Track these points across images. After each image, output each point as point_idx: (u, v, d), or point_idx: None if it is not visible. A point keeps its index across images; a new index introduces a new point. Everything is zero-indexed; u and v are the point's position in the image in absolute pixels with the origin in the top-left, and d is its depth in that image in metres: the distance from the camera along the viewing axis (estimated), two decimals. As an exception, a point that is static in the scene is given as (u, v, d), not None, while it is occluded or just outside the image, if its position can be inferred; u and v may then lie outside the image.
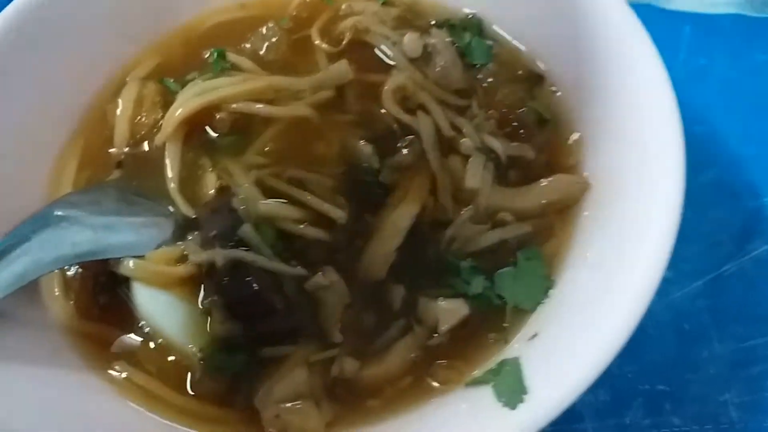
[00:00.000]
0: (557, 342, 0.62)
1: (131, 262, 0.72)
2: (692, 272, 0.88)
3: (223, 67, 0.88)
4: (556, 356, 0.60)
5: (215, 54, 0.88)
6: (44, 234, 0.69)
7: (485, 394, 0.60)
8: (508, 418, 0.55)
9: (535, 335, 0.65)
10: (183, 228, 0.76)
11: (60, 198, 0.79)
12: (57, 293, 0.75)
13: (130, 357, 0.71)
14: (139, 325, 0.72)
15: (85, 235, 0.71)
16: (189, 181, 0.80)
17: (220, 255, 0.71)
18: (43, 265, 0.68)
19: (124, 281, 0.73)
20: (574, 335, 0.61)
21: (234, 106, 0.82)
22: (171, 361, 0.70)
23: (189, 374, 0.69)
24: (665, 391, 0.81)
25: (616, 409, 0.80)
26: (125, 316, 0.73)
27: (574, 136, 0.78)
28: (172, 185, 0.80)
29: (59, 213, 0.72)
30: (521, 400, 0.56)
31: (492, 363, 0.65)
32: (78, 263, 0.72)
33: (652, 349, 0.84)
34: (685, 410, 0.80)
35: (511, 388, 0.58)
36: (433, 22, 0.89)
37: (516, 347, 0.65)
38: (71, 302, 0.75)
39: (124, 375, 0.69)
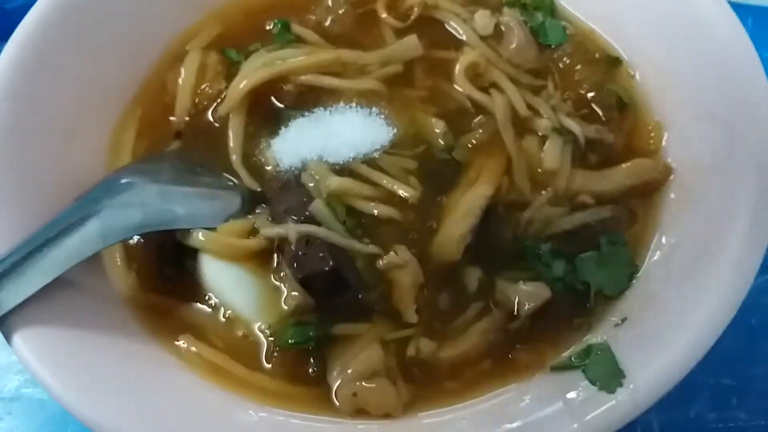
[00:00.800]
0: (650, 328, 0.60)
1: (201, 234, 0.70)
2: (760, 267, 0.86)
3: (287, 38, 0.85)
4: (650, 341, 0.58)
5: (279, 25, 0.86)
6: (115, 200, 0.67)
7: (575, 378, 0.59)
8: (607, 402, 0.54)
9: (623, 320, 0.63)
10: (251, 202, 0.75)
11: (124, 166, 0.77)
12: (119, 264, 0.73)
13: (196, 330, 0.69)
14: (206, 298, 0.70)
15: (154, 204, 0.69)
16: (253, 154, 0.78)
17: (293, 229, 0.69)
18: (115, 232, 0.65)
19: (191, 253, 0.71)
20: (668, 321, 0.59)
21: (302, 78, 0.80)
22: (240, 335, 0.68)
23: (259, 349, 0.67)
24: (731, 386, 0.80)
25: (681, 403, 0.79)
26: (190, 289, 0.71)
27: (656, 120, 0.76)
28: (235, 157, 0.78)
29: (128, 180, 0.70)
30: (620, 384, 0.54)
31: (577, 348, 0.63)
32: (145, 232, 0.70)
33: (719, 343, 0.81)
34: (751, 405, 0.79)
35: (606, 372, 0.56)
36: (504, 0, 0.87)
37: (602, 333, 0.63)
38: (133, 273, 0.73)
39: (192, 348, 0.67)
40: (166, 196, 0.71)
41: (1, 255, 0.61)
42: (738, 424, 0.78)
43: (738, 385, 0.80)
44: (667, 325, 0.58)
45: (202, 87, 0.83)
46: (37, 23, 0.76)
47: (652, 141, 0.75)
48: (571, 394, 0.57)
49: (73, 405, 0.57)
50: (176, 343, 0.68)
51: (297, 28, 0.86)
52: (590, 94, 0.78)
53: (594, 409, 0.53)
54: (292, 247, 0.69)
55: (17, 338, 0.59)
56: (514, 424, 0.56)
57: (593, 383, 0.56)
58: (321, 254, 0.68)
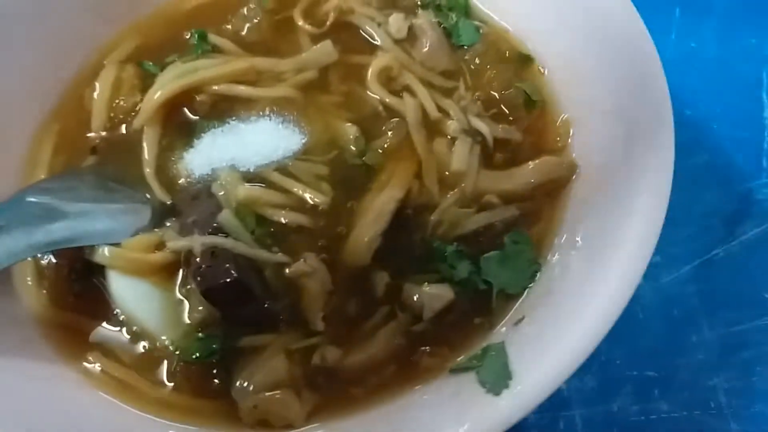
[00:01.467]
0: (543, 326, 0.61)
1: (106, 250, 0.70)
2: (681, 257, 0.87)
3: (204, 49, 0.85)
4: (541, 341, 0.58)
5: (196, 35, 0.86)
6: (17, 221, 0.67)
7: (469, 380, 0.59)
8: (492, 405, 0.54)
9: (521, 319, 0.63)
10: (161, 215, 0.74)
11: (34, 184, 0.76)
12: (29, 282, 0.73)
13: (104, 348, 0.69)
14: (115, 314, 0.70)
15: (60, 221, 0.69)
16: (166, 166, 0.78)
17: (198, 241, 0.69)
18: (17, 253, 0.65)
19: (100, 270, 0.71)
20: (561, 319, 0.59)
21: (215, 88, 0.80)
22: (147, 351, 0.68)
23: (164, 365, 0.67)
24: (654, 377, 0.80)
25: (604, 396, 0.79)
26: (100, 306, 0.71)
27: (563, 118, 0.76)
28: (149, 170, 0.78)
29: (32, 199, 0.69)
30: (506, 386, 0.55)
31: (477, 348, 0.63)
32: (52, 251, 0.70)
33: (641, 335, 0.83)
34: (674, 396, 0.79)
35: (496, 374, 0.56)
36: (419, 2, 0.87)
37: (502, 332, 0.64)
38: (44, 291, 0.72)
39: (98, 366, 0.67)
40: (72, 214, 0.70)
41: None
42: (660, 415, 0.78)
43: (660, 376, 0.80)
44: (556, 325, 0.58)
45: (117, 101, 0.82)
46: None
47: (559, 138, 0.75)
48: (463, 397, 0.57)
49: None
50: (84, 362, 0.68)
51: (214, 38, 0.86)
52: (500, 94, 0.79)
53: (480, 412, 0.54)
54: (197, 260, 0.69)
55: None
56: (408, 430, 0.56)
57: (483, 385, 0.57)
58: (226, 265, 0.68)
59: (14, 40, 0.81)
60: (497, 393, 0.54)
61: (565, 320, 0.58)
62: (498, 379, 0.56)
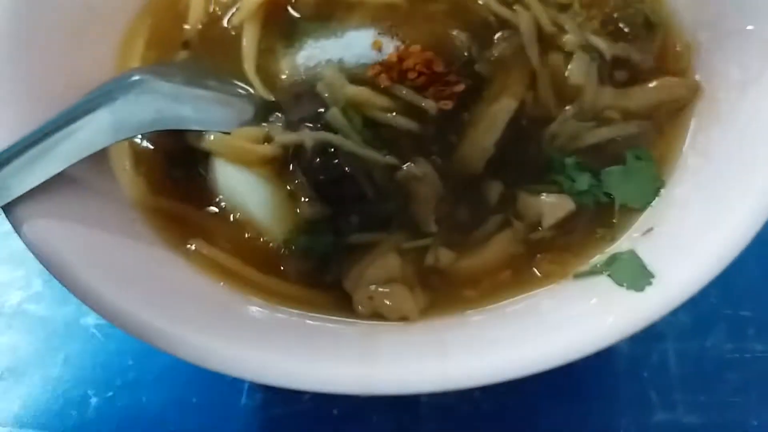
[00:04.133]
0: (677, 235, 0.59)
1: (213, 137, 0.67)
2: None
3: (306, -49, 0.82)
4: (677, 246, 0.57)
5: (297, -64, 0.83)
6: (129, 95, 0.64)
7: (600, 282, 0.57)
8: (638, 300, 0.52)
9: (650, 230, 0.61)
10: (264, 111, 0.72)
11: (137, 68, 0.74)
12: (127, 166, 0.70)
13: (207, 235, 0.67)
14: (218, 203, 0.68)
15: (168, 103, 0.67)
16: (267, 64, 0.76)
17: (308, 136, 0.67)
18: (127, 127, 0.63)
19: (202, 158, 0.69)
20: (697, 228, 0.57)
21: (320, -13, 0.77)
22: (253, 240, 0.66)
23: (273, 254, 0.66)
24: (749, 317, 0.79)
25: (697, 332, 0.78)
26: (201, 194, 0.69)
27: (684, 40, 0.74)
28: (249, 66, 0.75)
29: (142, 77, 0.67)
30: (649, 283, 0.53)
31: (601, 258, 0.61)
32: (157, 131, 0.68)
33: (738, 276, 0.80)
34: (769, 337, 0.78)
35: (634, 274, 0.55)
36: None
37: (627, 243, 0.62)
38: (142, 177, 0.70)
39: (203, 251, 0.65)
40: (180, 97, 0.68)
41: (10, 143, 0.58)
42: (755, 354, 0.77)
43: (756, 316, 0.79)
44: (693, 233, 0.57)
45: (217, -5, 0.80)
46: None
47: (681, 60, 0.73)
48: (599, 297, 0.55)
49: (86, 293, 0.54)
50: (187, 246, 0.66)
51: (315, -60, 0.83)
52: (617, 14, 0.76)
53: (625, 307, 0.52)
54: (308, 154, 0.67)
55: (27, 227, 0.56)
56: (539, 321, 0.55)
57: (620, 284, 0.55)
58: (337, 161, 0.66)
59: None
60: (640, 289, 0.53)
61: (703, 229, 0.57)
62: (637, 278, 0.54)
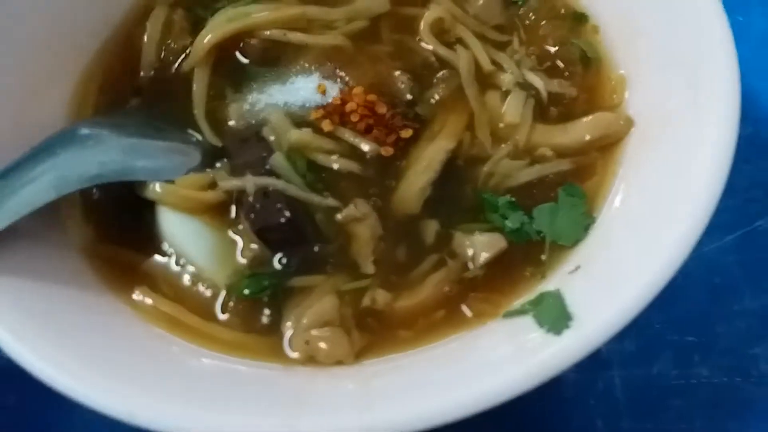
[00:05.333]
0: (601, 275, 0.60)
1: (158, 186, 0.70)
2: (725, 226, 0.86)
3: (253, -6, 0.85)
4: (600, 287, 0.58)
5: (246, -19, 0.85)
6: (72, 150, 0.66)
7: (525, 323, 0.59)
8: (554, 343, 0.54)
9: (577, 268, 0.63)
10: (211, 156, 0.74)
11: (86, 119, 0.76)
12: (77, 214, 0.73)
13: (152, 282, 0.69)
14: (163, 250, 0.70)
15: (113, 154, 0.69)
16: (215, 109, 0.78)
17: (251, 182, 0.69)
18: (70, 182, 0.65)
19: (148, 206, 0.71)
20: (620, 268, 0.59)
21: (267, 33, 0.79)
22: (195, 286, 0.68)
23: (214, 300, 0.67)
24: (694, 343, 0.80)
25: (644, 359, 0.79)
26: (148, 241, 0.71)
27: (619, 74, 0.75)
28: (199, 112, 0.78)
29: (86, 131, 0.69)
30: (567, 326, 0.54)
31: (530, 296, 0.63)
32: (102, 183, 0.70)
33: (682, 301, 0.82)
34: (714, 362, 0.79)
35: (555, 316, 0.56)
36: (472, -43, 0.86)
37: (555, 281, 0.63)
38: (91, 225, 0.72)
39: (147, 300, 0.67)
40: (125, 148, 0.70)
41: None
42: (700, 380, 0.78)
43: (701, 342, 0.80)
44: (617, 272, 0.58)
45: (168, 42, 0.82)
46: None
47: (615, 95, 0.74)
48: (521, 338, 0.57)
49: (24, 355, 0.56)
50: (132, 295, 0.68)
51: (264, -16, 0.85)
52: (554, 49, 0.78)
53: (542, 350, 0.53)
54: (250, 199, 0.69)
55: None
56: (464, 367, 0.56)
57: (541, 326, 0.57)
58: (278, 206, 0.68)
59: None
60: (558, 332, 0.54)
61: (624, 269, 0.58)
62: (558, 320, 0.55)
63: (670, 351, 0.80)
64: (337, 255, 0.69)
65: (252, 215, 0.68)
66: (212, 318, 0.66)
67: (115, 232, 0.72)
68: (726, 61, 0.63)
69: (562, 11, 0.80)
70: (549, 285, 0.63)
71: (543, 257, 0.66)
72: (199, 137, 0.76)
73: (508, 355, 0.56)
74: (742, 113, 0.94)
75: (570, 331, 0.54)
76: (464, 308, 0.65)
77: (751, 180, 0.89)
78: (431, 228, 0.69)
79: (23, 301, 0.60)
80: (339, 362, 0.62)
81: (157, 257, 0.70)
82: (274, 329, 0.65)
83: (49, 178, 0.64)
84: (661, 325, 0.81)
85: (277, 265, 0.68)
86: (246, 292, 0.67)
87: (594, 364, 0.79)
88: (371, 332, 0.65)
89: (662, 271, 0.55)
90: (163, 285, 0.69)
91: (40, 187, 0.63)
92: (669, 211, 0.60)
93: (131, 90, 0.81)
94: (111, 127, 0.72)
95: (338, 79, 0.78)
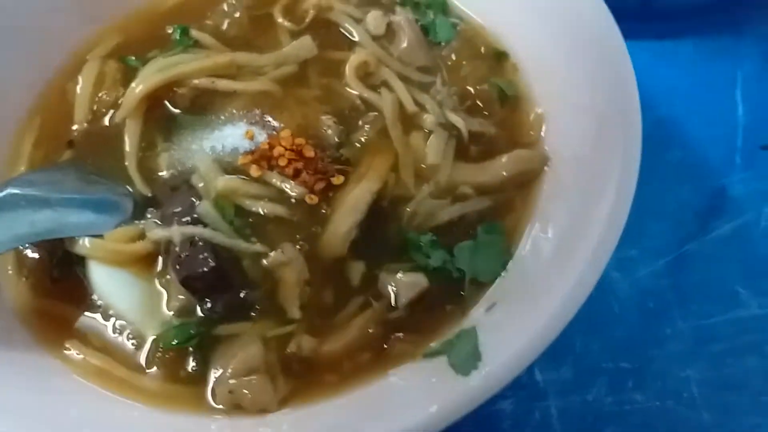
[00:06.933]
0: (513, 312, 0.62)
1: (87, 241, 0.71)
2: (656, 251, 0.89)
3: (186, 44, 0.87)
4: (511, 325, 0.60)
5: (178, 30, 0.87)
6: (3, 211, 0.67)
7: (441, 363, 0.60)
8: (460, 385, 0.55)
9: (492, 305, 0.65)
10: (142, 206, 0.75)
11: (17, 176, 0.77)
12: (10, 271, 0.73)
13: (83, 336, 0.69)
14: (94, 302, 0.71)
15: (44, 213, 0.70)
16: (147, 159, 0.79)
17: (177, 232, 0.70)
18: (2, 243, 0.66)
19: (79, 259, 0.72)
20: (528, 305, 0.61)
21: (195, 81, 0.81)
22: (125, 338, 0.69)
23: (143, 351, 0.68)
24: (628, 369, 0.82)
25: (579, 387, 0.81)
26: (79, 294, 0.71)
27: (536, 112, 0.78)
28: (130, 163, 0.79)
29: (16, 192, 0.70)
30: (474, 367, 0.56)
31: (450, 334, 0.64)
32: (35, 242, 0.71)
33: (617, 327, 0.84)
34: (647, 387, 0.80)
35: (466, 356, 0.57)
36: (397, 0, 0.89)
37: (474, 318, 0.65)
38: (24, 279, 0.73)
39: (77, 354, 0.68)
40: (56, 206, 0.71)
41: None
42: (634, 406, 0.80)
43: (635, 367, 0.82)
44: (525, 311, 0.60)
45: (100, 95, 0.84)
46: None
47: (532, 132, 0.77)
48: (434, 379, 0.58)
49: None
50: (63, 349, 0.68)
51: (195, 33, 0.87)
52: (475, 89, 0.80)
53: (448, 393, 0.55)
54: (176, 249, 0.70)
55: None
56: (381, 410, 0.57)
57: (453, 368, 0.58)
58: (204, 255, 0.69)
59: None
60: (466, 374, 0.55)
61: (534, 306, 0.60)
62: (467, 361, 0.57)
63: (605, 377, 0.81)
64: (263, 300, 0.70)
65: (177, 265, 0.69)
66: (139, 369, 0.67)
67: (48, 286, 0.72)
68: (630, 104, 0.65)
69: (483, 50, 0.83)
70: (469, 321, 0.65)
71: (462, 293, 0.67)
72: (130, 189, 0.77)
73: (421, 397, 0.57)
74: (669, 138, 0.98)
75: (476, 372, 0.55)
76: (387, 349, 0.66)
77: (681, 204, 0.92)
78: (357, 270, 0.70)
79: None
80: (263, 410, 0.63)
81: (88, 311, 0.70)
82: (199, 378, 0.66)
83: None
84: (596, 353, 0.82)
85: (203, 314, 0.69)
86: (173, 341, 0.67)
87: (530, 393, 0.80)
88: (296, 377, 0.66)
89: (567, 304, 0.57)
90: (92, 338, 0.69)
91: None
92: (575, 245, 0.62)
93: (65, 143, 0.82)
94: (44, 183, 0.73)
95: (266, 124, 0.80)
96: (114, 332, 0.69)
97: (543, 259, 0.66)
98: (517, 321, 0.60)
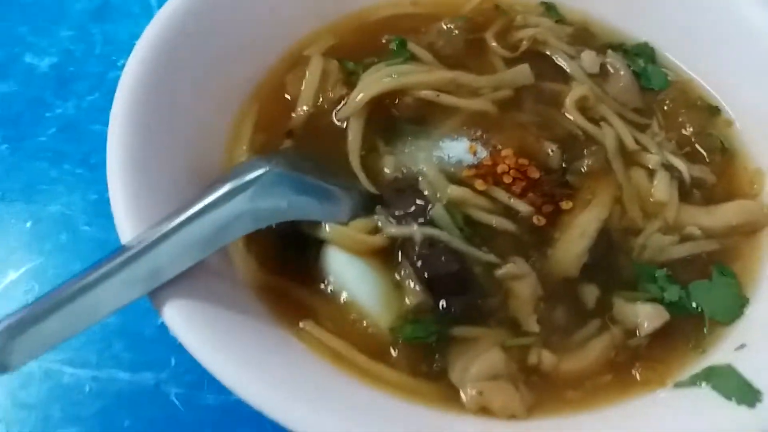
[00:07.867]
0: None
1: (329, 227, 0.72)
2: None
3: (403, 55, 0.90)
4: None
5: (396, 42, 0.90)
6: (263, 185, 0.67)
7: (703, 394, 0.61)
8: (749, 415, 0.56)
9: (742, 346, 0.66)
10: (369, 203, 0.77)
11: (274, 154, 0.79)
12: (239, 246, 0.74)
13: (316, 315, 0.70)
14: (324, 287, 0.71)
15: (295, 193, 0.71)
16: (369, 158, 0.81)
17: (417, 231, 0.72)
18: (264, 216, 0.67)
19: (312, 242, 0.73)
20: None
21: (421, 93, 0.84)
22: (361, 325, 0.69)
23: (379, 341, 0.68)
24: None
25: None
26: (308, 276, 0.72)
27: (755, 167, 0.81)
28: (354, 160, 0.81)
29: (271, 168, 0.70)
30: (759, 399, 0.57)
31: (694, 369, 0.65)
32: (283, 221, 0.71)
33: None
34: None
35: (740, 389, 0.58)
36: (608, 43, 0.93)
37: (721, 357, 0.66)
38: (252, 256, 0.73)
39: (314, 333, 0.68)
40: (305, 189, 0.72)
41: (158, 227, 0.61)
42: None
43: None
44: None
45: (326, 91, 0.86)
46: (165, 26, 0.78)
47: (755, 185, 0.80)
48: (706, 408, 0.59)
49: (219, 373, 0.57)
50: (299, 326, 0.68)
51: (413, 47, 0.90)
52: (692, 136, 0.83)
53: (737, 420, 0.55)
54: (416, 247, 0.71)
55: (168, 309, 0.59)
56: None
57: (728, 398, 0.59)
58: (446, 256, 0.71)
59: (220, 31, 0.84)
60: (751, 405, 0.57)
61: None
62: (745, 393, 0.58)
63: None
64: (497, 310, 0.71)
65: (420, 263, 0.70)
66: (378, 358, 0.67)
67: (276, 264, 0.73)
68: None
69: (698, 102, 0.87)
70: (713, 360, 0.66)
71: (704, 331, 0.69)
72: (357, 184, 0.79)
73: (696, 422, 0.57)
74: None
75: (762, 404, 0.56)
76: (632, 374, 0.67)
77: None
78: (591, 293, 0.72)
79: (210, 326, 0.60)
80: (512, 416, 0.63)
81: (320, 294, 0.71)
82: (441, 375, 0.66)
83: (247, 211, 0.65)
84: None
85: (440, 313, 0.70)
86: (411, 335, 0.68)
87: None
88: (538, 390, 0.66)
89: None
90: (327, 321, 0.69)
91: (239, 218, 0.64)
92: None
93: (284, 133, 0.84)
94: (289, 166, 0.74)
95: (487, 142, 0.82)
96: (349, 318, 0.69)
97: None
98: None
